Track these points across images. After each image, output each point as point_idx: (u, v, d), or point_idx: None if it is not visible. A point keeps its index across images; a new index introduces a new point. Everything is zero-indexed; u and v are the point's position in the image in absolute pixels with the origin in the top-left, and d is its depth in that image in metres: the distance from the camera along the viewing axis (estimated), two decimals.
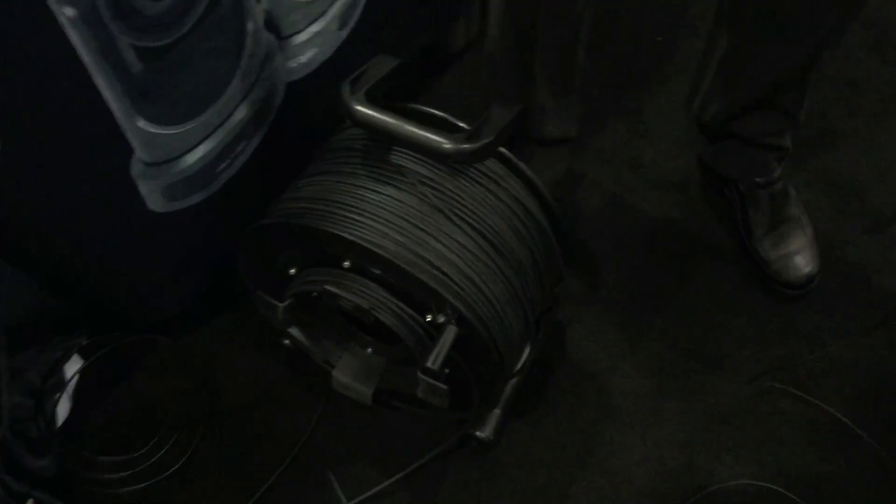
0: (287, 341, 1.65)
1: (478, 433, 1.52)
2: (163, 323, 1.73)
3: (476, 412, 1.47)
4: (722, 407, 1.65)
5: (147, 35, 1.26)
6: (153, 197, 1.45)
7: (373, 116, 1.28)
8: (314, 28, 1.60)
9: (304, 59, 1.62)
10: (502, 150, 1.37)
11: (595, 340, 1.75)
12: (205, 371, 1.73)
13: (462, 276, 1.30)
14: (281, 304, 1.44)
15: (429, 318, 1.33)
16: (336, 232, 1.28)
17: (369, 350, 1.56)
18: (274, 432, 1.66)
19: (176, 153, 1.44)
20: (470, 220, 1.33)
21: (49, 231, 1.35)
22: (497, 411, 1.53)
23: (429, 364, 1.26)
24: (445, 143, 1.25)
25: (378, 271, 1.32)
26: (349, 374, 1.54)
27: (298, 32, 1.58)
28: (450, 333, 1.28)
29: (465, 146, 1.25)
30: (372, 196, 1.32)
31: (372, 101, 1.30)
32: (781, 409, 1.63)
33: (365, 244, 1.26)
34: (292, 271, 1.43)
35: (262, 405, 1.69)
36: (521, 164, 1.38)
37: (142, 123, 1.34)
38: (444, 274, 1.28)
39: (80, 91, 1.21)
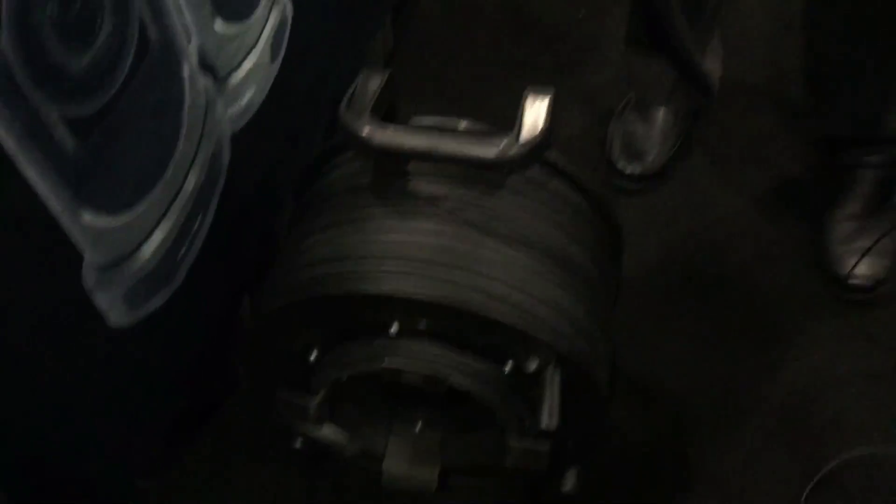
0: (298, 442, 1.34)
1: (565, 489, 1.27)
2: (130, 471, 1.38)
3: (569, 467, 1.21)
4: None
5: (76, 100, 0.95)
6: (114, 309, 1.12)
7: (395, 137, 1.01)
8: (248, 64, 1.32)
9: (243, 101, 1.33)
10: (551, 160, 1.13)
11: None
12: None
13: (545, 306, 1.05)
14: (312, 399, 1.14)
15: (507, 368, 1.07)
16: (380, 292, 1.01)
17: (419, 425, 1.27)
18: None
19: (131, 246, 1.12)
20: (528, 239, 1.08)
21: None
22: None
23: (544, 424, 1.00)
24: (491, 151, 1.00)
25: (434, 328, 1.05)
26: (404, 461, 1.25)
27: (234, 70, 1.29)
28: (554, 380, 1.03)
29: (515, 150, 1.00)
30: (407, 238, 1.05)
31: (381, 121, 1.04)
32: None
33: (422, 297, 0.99)
34: (313, 356, 1.13)
35: None
36: (561, 159, 1.15)
37: (88, 218, 1.01)
38: (522, 309, 1.02)
39: (8, 190, 0.89)
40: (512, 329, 1.01)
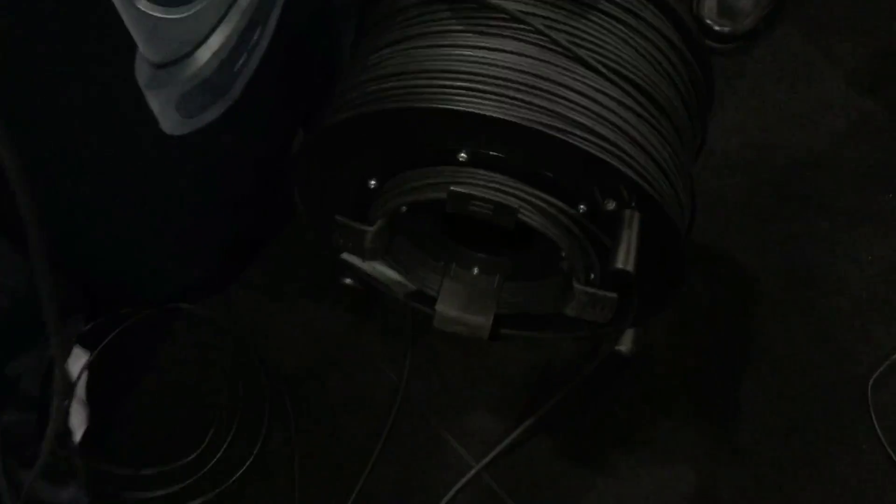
0: (348, 280, 1.29)
1: (619, 348, 1.20)
2: (183, 289, 1.35)
3: (632, 321, 1.14)
4: None
5: None
6: (168, 114, 1.05)
7: None
8: None
9: None
10: None
11: None
12: (250, 338, 1.35)
13: (629, 141, 0.96)
14: (371, 228, 1.07)
15: (582, 209, 0.99)
16: (451, 109, 0.92)
17: (476, 270, 1.21)
18: (358, 399, 1.32)
19: (187, 47, 1.04)
20: (616, 67, 0.98)
21: (40, 171, 0.95)
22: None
23: (619, 264, 0.92)
24: None
25: (507, 157, 0.97)
26: (457, 304, 1.19)
27: None
28: (634, 221, 0.94)
29: None
30: (486, 56, 0.96)
31: None
32: None
33: (497, 117, 0.90)
34: (373, 183, 1.06)
35: (333, 368, 1.34)
36: None
37: (143, 3, 0.93)
38: (608, 141, 0.93)
39: None
40: (594, 160, 0.92)
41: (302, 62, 1.28)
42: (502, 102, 0.92)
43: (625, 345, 1.19)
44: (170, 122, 1.07)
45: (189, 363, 1.34)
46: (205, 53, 1.07)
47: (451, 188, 0.95)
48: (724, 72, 1.57)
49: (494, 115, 0.90)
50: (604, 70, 0.96)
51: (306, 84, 1.34)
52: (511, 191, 0.96)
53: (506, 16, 0.97)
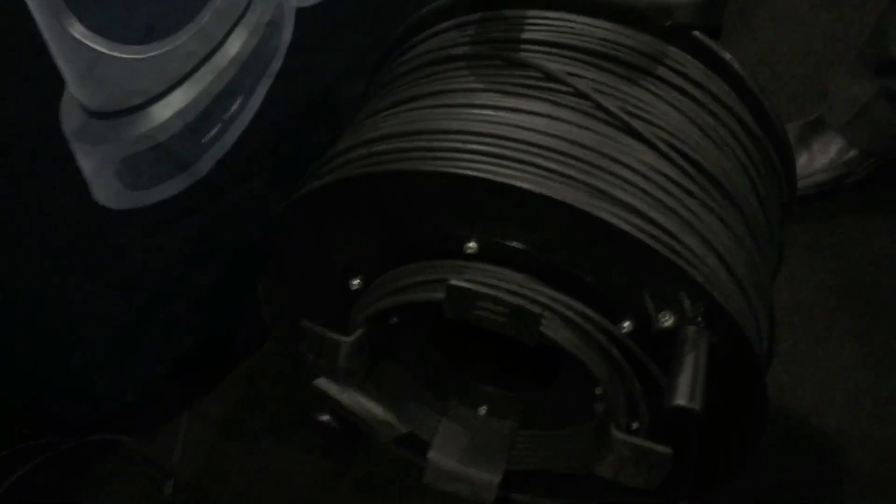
0: (324, 417, 1.03)
1: None
2: (118, 416, 1.09)
3: (689, 491, 0.85)
4: None
5: None
6: (103, 179, 0.84)
7: None
8: None
9: None
10: (700, 36, 0.81)
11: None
12: (198, 485, 1.08)
13: (692, 234, 0.71)
14: (347, 339, 0.82)
15: (626, 326, 0.74)
16: (460, 172, 0.69)
17: (483, 410, 0.94)
18: None
19: (138, 98, 0.83)
20: (675, 143, 0.75)
21: None
22: None
23: (680, 400, 0.65)
24: None
25: (530, 251, 0.73)
26: (456, 454, 0.92)
27: None
28: (701, 342, 0.68)
29: None
30: (511, 117, 0.74)
31: None
32: None
33: (521, 185, 0.67)
34: (356, 283, 0.82)
35: None
36: (731, 59, 0.82)
37: (78, 31, 0.74)
38: (665, 231, 0.69)
39: None
40: (646, 252, 0.68)
41: (295, 145, 1.07)
42: (527, 171, 0.69)
43: None
44: (106, 190, 0.85)
45: None
46: (162, 111, 0.87)
47: (452, 282, 0.70)
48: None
49: (516, 184, 0.67)
50: (660, 144, 0.74)
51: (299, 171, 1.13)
52: (532, 293, 0.71)
53: (540, 75, 0.76)
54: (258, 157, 1.03)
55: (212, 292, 1.04)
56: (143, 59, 0.81)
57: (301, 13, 1.03)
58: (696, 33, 0.80)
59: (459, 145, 0.71)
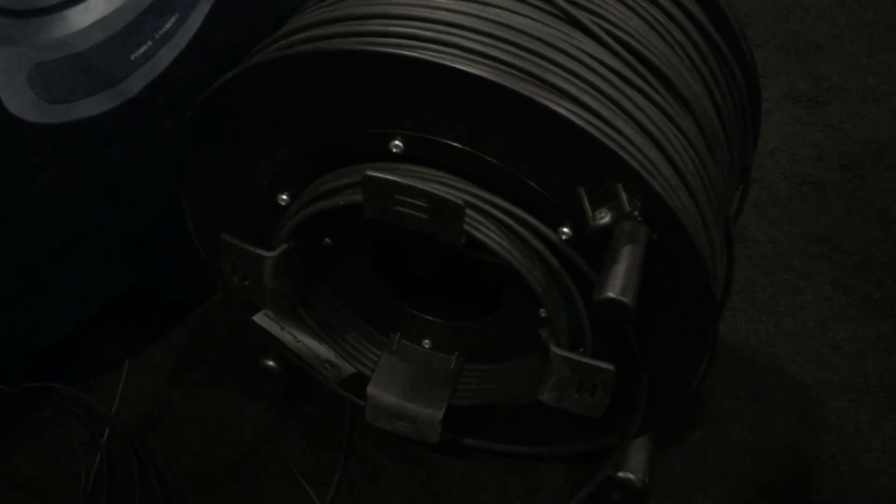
0: (270, 362, 0.97)
1: (624, 475, 0.84)
2: (53, 358, 1.03)
3: (642, 423, 0.78)
4: None
5: None
6: (15, 86, 0.79)
7: None
8: None
9: None
10: None
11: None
12: (136, 435, 1.02)
13: (634, 127, 0.65)
14: (269, 254, 0.76)
15: (566, 232, 0.68)
16: (378, 49, 0.63)
17: (427, 343, 0.88)
18: None
19: None
20: (624, 39, 0.69)
21: None
22: (643, 437, 0.86)
23: (609, 292, 0.59)
24: None
25: (461, 148, 0.67)
26: (397, 388, 0.86)
27: None
28: (638, 234, 0.62)
29: None
30: (444, 2, 0.68)
31: None
32: None
33: (446, 63, 0.61)
34: (283, 198, 0.77)
35: (240, 479, 0.99)
36: None
37: None
38: (604, 120, 0.63)
39: None
40: (583, 140, 0.61)
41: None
42: (453, 54, 0.63)
43: (634, 471, 0.83)
44: (18, 99, 0.79)
45: (50, 462, 0.99)
46: (80, 18, 0.82)
47: (367, 172, 0.64)
48: None
49: (440, 61, 0.61)
50: (602, 34, 0.68)
51: None
52: (455, 187, 0.65)
53: None
54: (198, 82, 0.96)
55: (147, 230, 0.98)
56: None
57: None
58: None
59: (380, 28, 0.66)
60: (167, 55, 0.93)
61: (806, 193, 1.24)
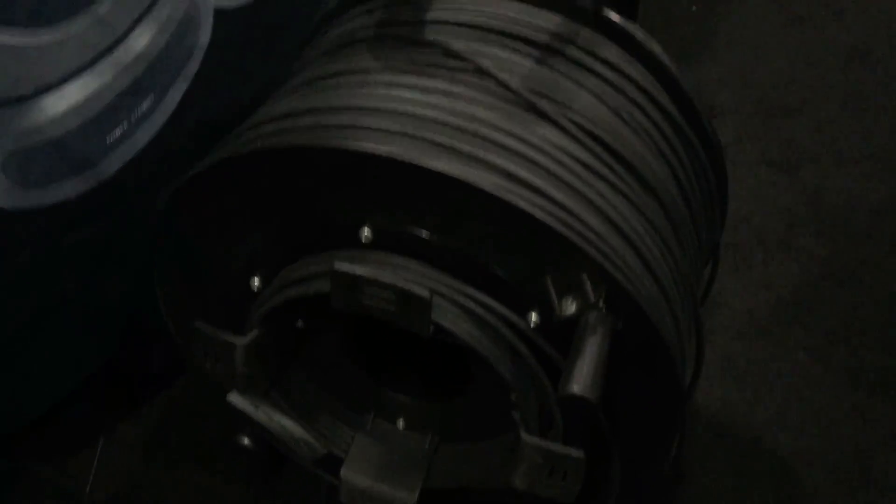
0: (245, 440, 0.96)
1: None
2: (26, 436, 1.02)
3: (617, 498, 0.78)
4: None
5: None
6: None
7: None
8: None
9: None
10: (616, 17, 0.77)
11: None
12: None
13: (596, 214, 0.66)
14: (240, 340, 0.76)
15: (533, 318, 0.68)
16: (348, 147, 0.64)
17: (401, 423, 0.88)
18: None
19: (26, 87, 0.79)
20: (588, 128, 0.71)
21: None
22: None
23: (574, 388, 0.60)
24: None
25: (429, 238, 0.68)
26: (371, 471, 0.85)
27: None
28: (600, 327, 0.63)
29: None
30: (406, 94, 0.69)
31: None
32: None
33: (412, 161, 0.62)
34: (256, 282, 0.77)
35: None
36: (651, 42, 0.78)
37: None
38: (566, 209, 0.64)
39: None
40: (545, 233, 0.62)
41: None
42: (417, 146, 0.64)
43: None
44: None
45: None
46: (55, 104, 0.82)
47: (335, 267, 0.65)
48: None
49: (407, 158, 0.62)
50: (565, 123, 0.69)
51: None
52: (422, 278, 0.66)
53: (439, 52, 0.72)
54: (173, 161, 0.97)
55: (120, 306, 0.98)
56: (29, 45, 0.77)
57: (221, 15, 1.00)
58: (612, 15, 0.76)
59: (347, 121, 0.67)
60: (143, 135, 0.94)
61: (780, 259, 1.26)
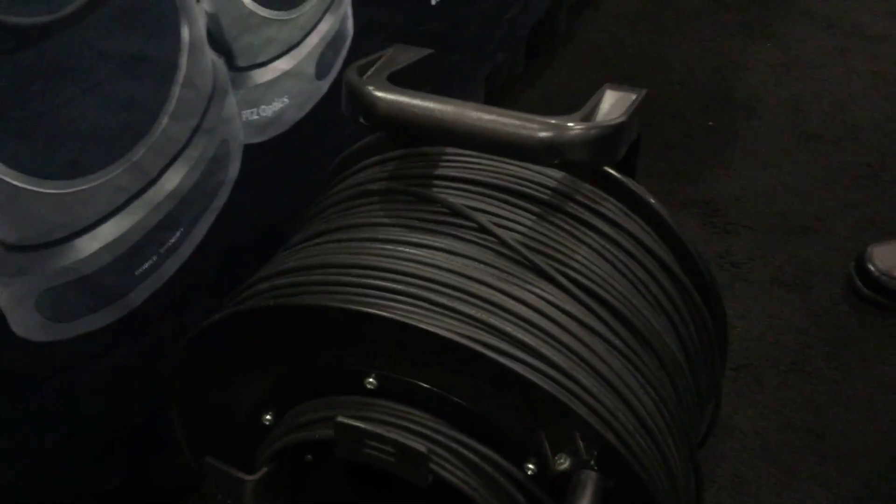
0: None
1: None
2: None
3: None
4: None
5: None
6: (21, 311, 0.84)
7: (412, 103, 0.72)
8: (282, 65, 1.07)
9: (268, 111, 1.08)
10: (617, 175, 0.81)
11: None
12: None
13: (591, 374, 0.69)
14: (250, 478, 0.80)
15: (530, 468, 0.71)
16: (350, 308, 0.69)
17: None
18: None
19: (59, 232, 0.85)
20: (585, 284, 0.74)
21: None
22: None
23: None
24: (544, 130, 0.69)
25: (431, 389, 0.71)
26: None
27: (260, 66, 1.05)
28: (589, 486, 0.65)
29: (579, 132, 0.69)
30: (412, 252, 0.74)
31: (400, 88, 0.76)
32: None
33: (406, 321, 0.66)
34: (268, 418, 0.81)
35: None
36: (647, 195, 0.82)
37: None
38: (557, 368, 0.68)
39: None
40: (539, 393, 0.66)
41: (238, 278, 1.08)
42: (417, 307, 0.68)
43: None
44: (24, 322, 0.85)
45: None
46: (88, 244, 0.88)
47: (339, 419, 0.69)
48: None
49: (408, 321, 0.66)
50: (561, 279, 0.73)
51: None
52: (421, 429, 0.69)
53: (444, 210, 0.77)
54: (197, 288, 1.03)
55: (141, 426, 1.03)
56: (66, 193, 0.83)
57: (249, 149, 1.06)
58: (610, 170, 0.81)
59: (354, 280, 0.71)
60: (171, 266, 1.00)
61: (792, 382, 1.27)
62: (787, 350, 1.31)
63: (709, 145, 1.71)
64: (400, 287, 0.70)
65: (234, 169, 1.05)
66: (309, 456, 0.84)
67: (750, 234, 1.51)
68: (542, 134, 0.69)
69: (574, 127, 0.69)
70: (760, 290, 1.40)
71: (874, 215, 1.53)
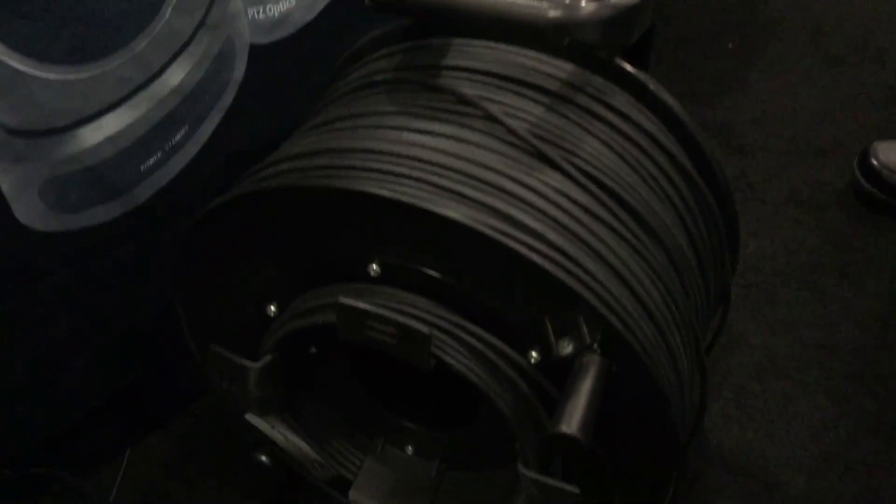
0: (262, 458, 0.99)
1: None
2: (55, 444, 1.07)
3: None
4: None
5: None
6: (26, 198, 0.84)
7: None
8: None
9: (275, 10, 1.05)
10: (627, 67, 0.79)
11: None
12: None
13: (596, 259, 0.68)
14: (254, 364, 0.80)
15: (534, 356, 0.70)
16: (355, 188, 0.67)
17: (410, 449, 0.90)
18: None
19: (61, 119, 0.84)
20: (593, 174, 0.73)
21: None
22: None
23: (562, 427, 0.62)
24: (554, 9, 0.67)
25: (434, 275, 0.70)
26: (378, 494, 0.88)
27: None
28: (591, 370, 0.65)
29: (591, 9, 0.67)
30: (416, 138, 0.72)
31: None
32: None
33: (416, 204, 0.65)
34: (272, 308, 0.80)
35: None
36: (660, 89, 0.80)
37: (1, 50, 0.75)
38: (563, 253, 0.66)
39: None
40: (540, 276, 0.64)
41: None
42: (421, 189, 0.67)
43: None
44: (28, 210, 0.85)
45: None
46: (92, 135, 0.87)
47: (341, 300, 0.68)
48: None
49: (412, 202, 0.65)
50: (569, 168, 0.71)
51: None
52: (424, 315, 0.68)
53: (453, 99, 0.75)
54: (205, 189, 1.02)
55: (150, 325, 1.03)
56: (68, 80, 0.82)
57: (256, 50, 1.04)
58: (621, 62, 0.79)
59: (358, 163, 0.70)
60: (176, 165, 0.99)
61: (803, 299, 1.25)
62: (800, 268, 1.30)
63: (728, 67, 1.67)
64: (404, 170, 0.69)
65: (239, 69, 1.03)
66: (313, 348, 0.84)
67: (766, 156, 1.48)
68: (553, 13, 0.67)
69: (586, 6, 0.67)
70: (775, 210, 1.38)
71: (893, 138, 1.49)
